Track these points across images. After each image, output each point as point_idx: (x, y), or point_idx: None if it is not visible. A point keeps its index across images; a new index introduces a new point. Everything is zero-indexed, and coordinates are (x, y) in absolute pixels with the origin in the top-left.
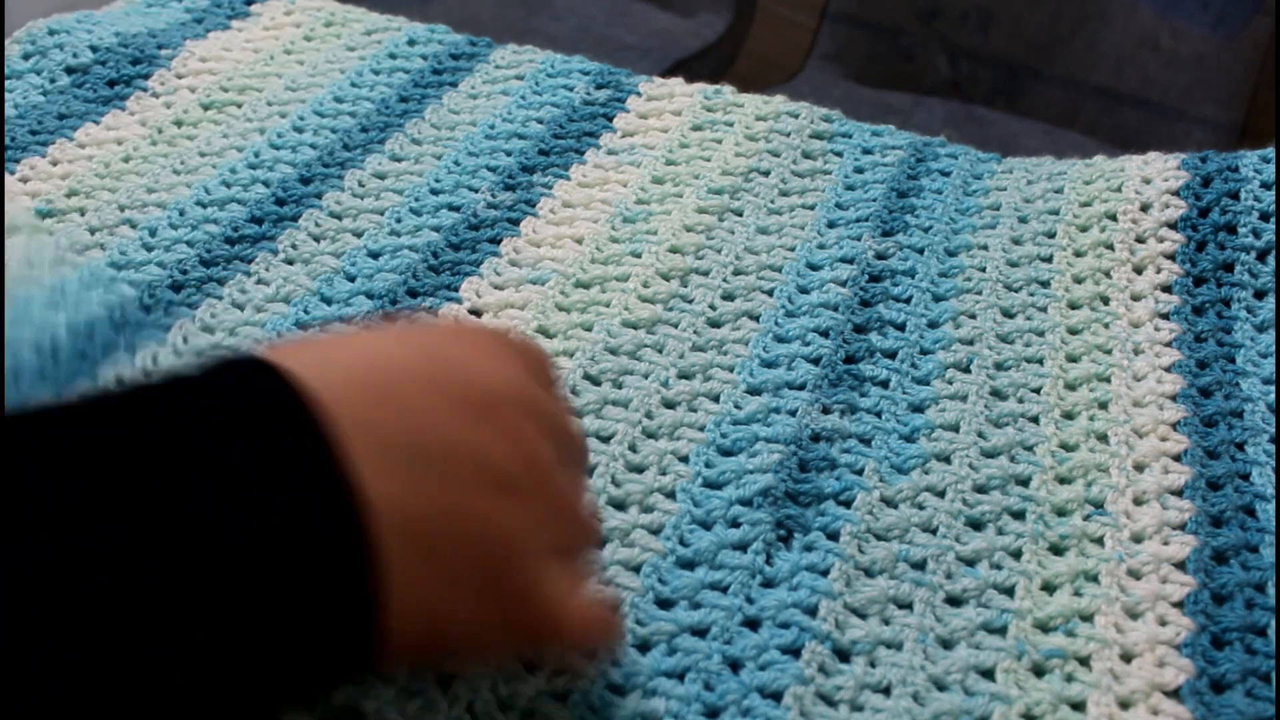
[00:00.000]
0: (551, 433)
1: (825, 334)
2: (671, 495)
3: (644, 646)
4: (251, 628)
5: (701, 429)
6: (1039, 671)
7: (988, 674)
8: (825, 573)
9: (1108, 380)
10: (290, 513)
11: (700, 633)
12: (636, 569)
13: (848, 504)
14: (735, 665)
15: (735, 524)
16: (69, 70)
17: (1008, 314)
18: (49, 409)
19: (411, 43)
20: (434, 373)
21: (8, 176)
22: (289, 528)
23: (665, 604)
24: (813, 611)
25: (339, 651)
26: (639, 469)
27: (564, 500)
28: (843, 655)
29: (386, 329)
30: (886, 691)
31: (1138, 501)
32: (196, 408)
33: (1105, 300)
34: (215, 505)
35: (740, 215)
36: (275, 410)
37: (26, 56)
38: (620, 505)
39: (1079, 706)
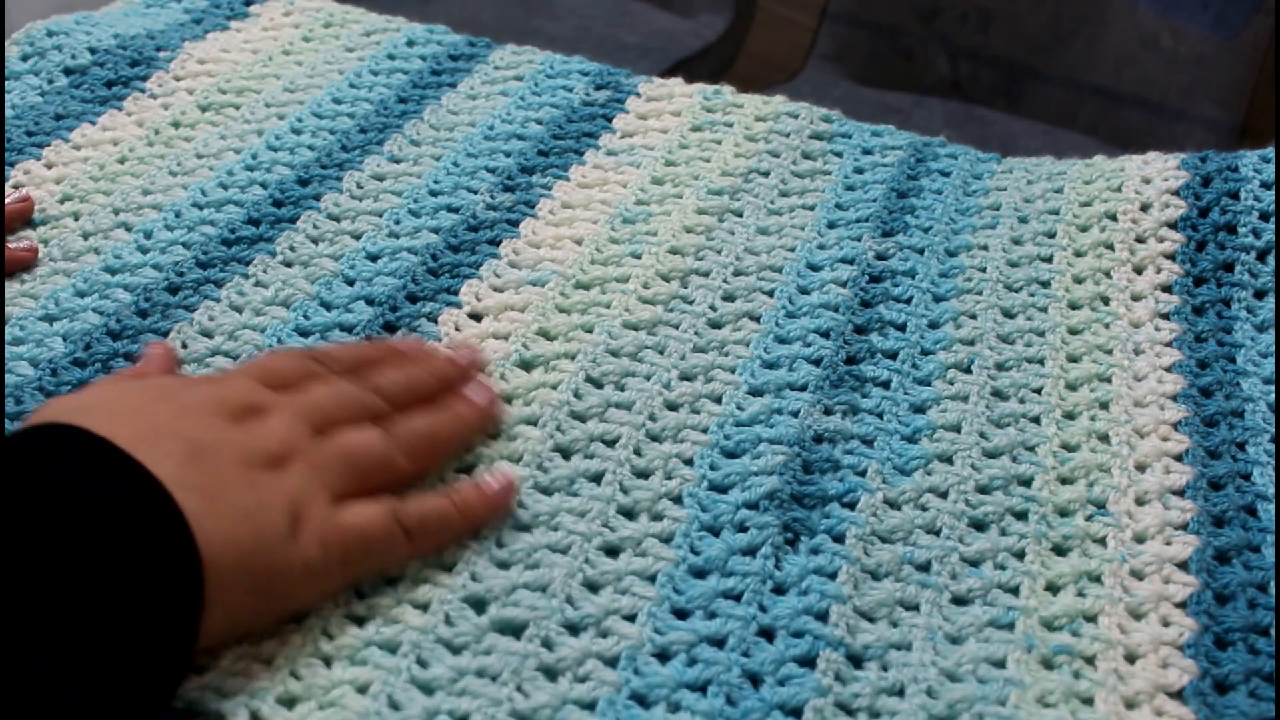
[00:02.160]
0: (301, 408)
1: (826, 335)
2: (679, 500)
3: (664, 656)
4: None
5: (705, 431)
6: (1048, 665)
7: (999, 664)
8: (833, 575)
9: (1109, 380)
10: (118, 507)
11: (718, 643)
12: (652, 578)
13: (851, 506)
14: (755, 679)
15: (743, 528)
16: (67, 71)
17: (1008, 314)
18: None
19: (410, 44)
20: (183, 402)
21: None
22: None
23: (681, 614)
24: (824, 617)
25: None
26: (645, 474)
27: (325, 453)
28: (856, 661)
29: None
30: (901, 693)
31: (1140, 501)
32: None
33: (1105, 300)
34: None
35: (740, 216)
36: (80, 445)
37: (25, 58)
38: (630, 513)
39: (1088, 701)
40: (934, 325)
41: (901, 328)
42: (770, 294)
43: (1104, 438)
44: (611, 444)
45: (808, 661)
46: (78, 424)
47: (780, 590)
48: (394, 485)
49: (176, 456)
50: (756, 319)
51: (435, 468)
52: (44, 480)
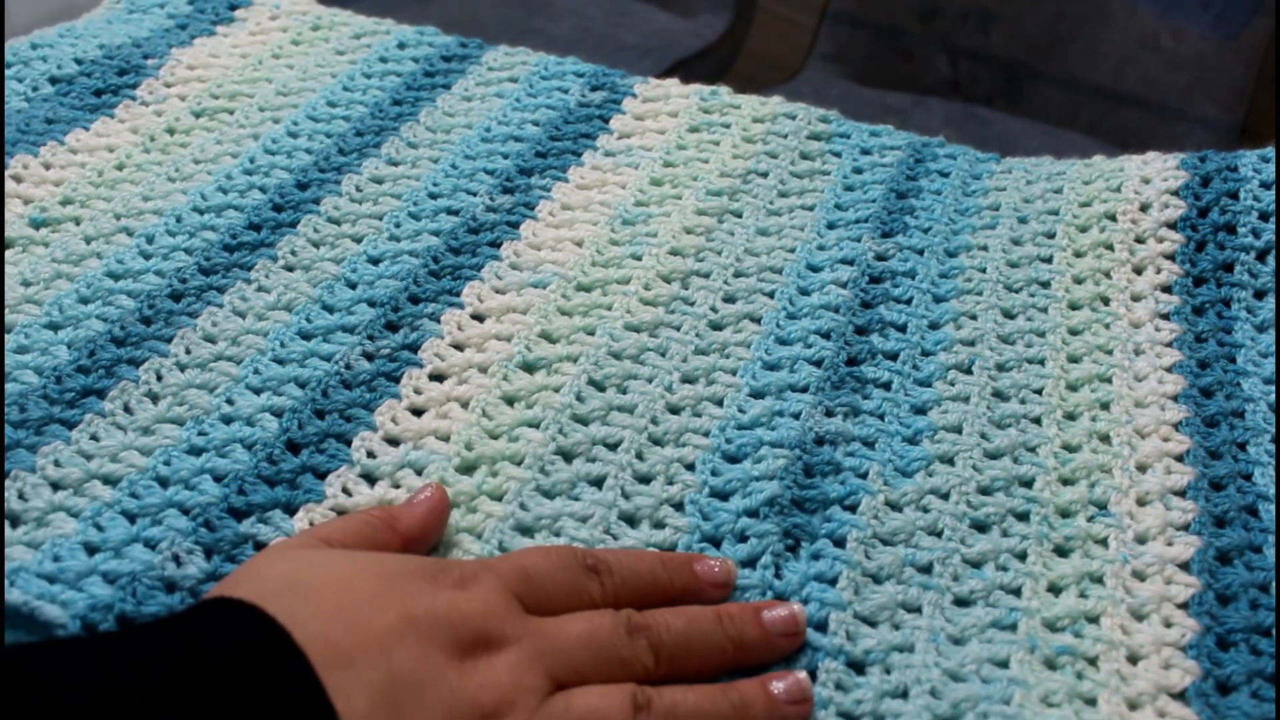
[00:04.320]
0: (535, 647)
1: (827, 336)
2: (680, 507)
3: None
4: None
5: (706, 434)
6: (1051, 665)
7: (1002, 664)
8: (833, 581)
9: (1109, 381)
10: None
11: None
12: None
13: (853, 509)
14: None
15: (743, 538)
16: (53, 80)
17: (1008, 315)
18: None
19: (401, 46)
20: (412, 609)
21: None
22: None
23: None
24: (823, 627)
25: None
26: (646, 479)
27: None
28: (857, 667)
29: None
30: (904, 695)
31: (1141, 502)
32: (203, 657)
33: (1105, 301)
34: None
35: (739, 217)
36: (269, 659)
37: (8, 68)
38: (631, 520)
39: (1091, 702)
40: (934, 326)
41: (902, 329)
42: (771, 295)
43: (1105, 438)
44: (613, 447)
45: (809, 673)
46: (280, 614)
47: (780, 599)
48: None
49: (372, 696)
50: (757, 320)
51: None
52: (208, 695)
